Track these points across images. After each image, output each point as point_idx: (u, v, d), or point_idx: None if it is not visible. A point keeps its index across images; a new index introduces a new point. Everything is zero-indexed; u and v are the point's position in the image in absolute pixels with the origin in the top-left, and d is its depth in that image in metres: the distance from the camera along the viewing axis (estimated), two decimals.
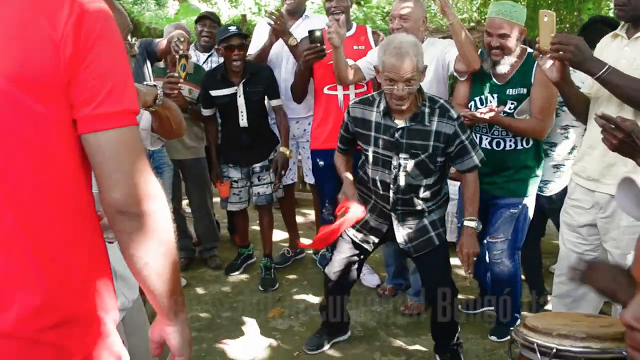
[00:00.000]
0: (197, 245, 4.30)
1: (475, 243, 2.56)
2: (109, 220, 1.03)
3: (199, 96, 3.75)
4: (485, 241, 3.15)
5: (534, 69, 2.79)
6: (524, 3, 7.17)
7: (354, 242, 2.77)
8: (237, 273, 4.05)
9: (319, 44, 3.20)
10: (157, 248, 1.05)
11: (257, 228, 4.11)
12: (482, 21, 8.92)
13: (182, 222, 4.16)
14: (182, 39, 3.32)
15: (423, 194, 2.60)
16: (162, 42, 3.44)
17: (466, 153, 2.54)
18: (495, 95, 2.88)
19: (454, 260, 4.10)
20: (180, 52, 3.29)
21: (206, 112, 3.74)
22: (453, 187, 4.09)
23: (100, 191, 1.01)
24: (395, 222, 2.67)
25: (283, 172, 3.70)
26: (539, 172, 3.01)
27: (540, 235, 3.47)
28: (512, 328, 1.81)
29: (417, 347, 3.04)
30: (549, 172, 3.10)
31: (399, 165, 2.53)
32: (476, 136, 2.96)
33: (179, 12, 10.12)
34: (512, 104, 2.85)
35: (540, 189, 3.12)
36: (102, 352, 1.05)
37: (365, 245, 2.77)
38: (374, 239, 2.76)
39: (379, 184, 2.61)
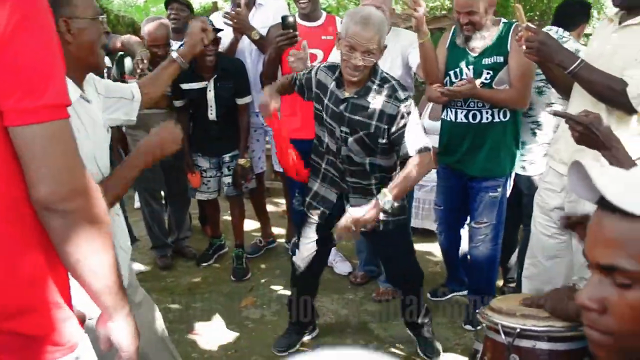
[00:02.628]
0: (167, 236, 4.25)
1: (369, 214, 2.29)
2: (38, 215, 0.99)
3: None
4: (467, 225, 3.18)
5: (510, 37, 2.78)
6: None
7: (318, 226, 2.70)
8: (208, 263, 4.02)
9: (291, 30, 3.17)
10: (88, 245, 1.03)
11: (229, 218, 4.08)
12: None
13: (159, 217, 4.07)
14: (145, 60, 3.30)
15: (372, 172, 2.53)
16: (115, 41, 3.37)
17: (404, 139, 2.38)
18: (470, 67, 2.85)
19: (425, 247, 4.16)
20: (139, 71, 3.28)
21: (177, 103, 3.69)
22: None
23: (28, 186, 0.97)
24: (345, 195, 2.62)
25: (243, 182, 3.73)
26: (517, 148, 2.98)
27: (520, 220, 3.42)
28: (477, 311, 1.84)
29: (389, 333, 3.05)
30: (538, 150, 3.09)
31: (341, 137, 2.50)
32: (451, 110, 2.93)
33: (148, 0, 9.95)
34: (488, 73, 2.82)
35: (524, 168, 3.12)
36: (60, 338, 1.04)
37: (322, 220, 2.67)
38: (325, 210, 2.66)
39: (329, 148, 2.58)
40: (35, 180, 0.95)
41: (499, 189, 2.93)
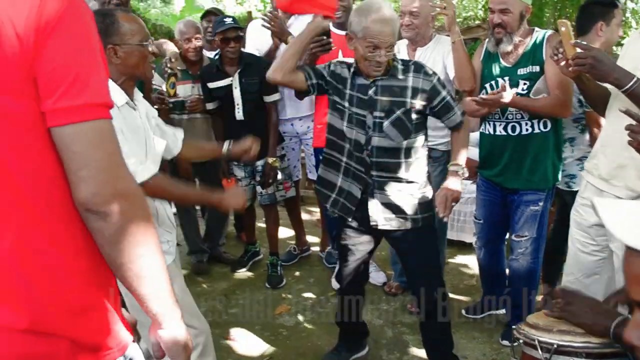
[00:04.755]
0: (203, 242, 4.31)
1: (457, 187, 2.47)
2: (81, 217, 0.99)
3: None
4: (507, 238, 3.16)
5: (544, 45, 2.73)
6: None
7: (354, 245, 2.67)
8: (243, 270, 4.06)
9: (325, 37, 3.18)
10: (132, 249, 1.00)
11: (264, 225, 4.12)
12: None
13: (195, 223, 4.15)
14: (173, 59, 3.43)
15: (401, 160, 2.49)
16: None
17: (450, 109, 2.50)
18: (506, 78, 2.81)
19: (461, 259, 4.13)
20: (169, 70, 3.45)
21: (209, 106, 3.72)
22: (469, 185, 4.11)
23: (70, 188, 0.96)
24: (370, 190, 2.52)
25: (271, 181, 3.70)
26: (559, 161, 2.92)
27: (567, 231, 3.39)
28: (514, 327, 1.83)
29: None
30: (573, 166, 3.07)
31: (374, 124, 2.45)
32: (489, 123, 2.90)
33: (184, 9, 10.11)
34: (524, 84, 2.78)
35: (567, 184, 3.08)
36: (112, 341, 1.05)
37: (347, 216, 2.61)
38: (350, 206, 2.57)
39: (353, 144, 2.51)
40: (76, 182, 0.95)
41: (541, 203, 2.88)
